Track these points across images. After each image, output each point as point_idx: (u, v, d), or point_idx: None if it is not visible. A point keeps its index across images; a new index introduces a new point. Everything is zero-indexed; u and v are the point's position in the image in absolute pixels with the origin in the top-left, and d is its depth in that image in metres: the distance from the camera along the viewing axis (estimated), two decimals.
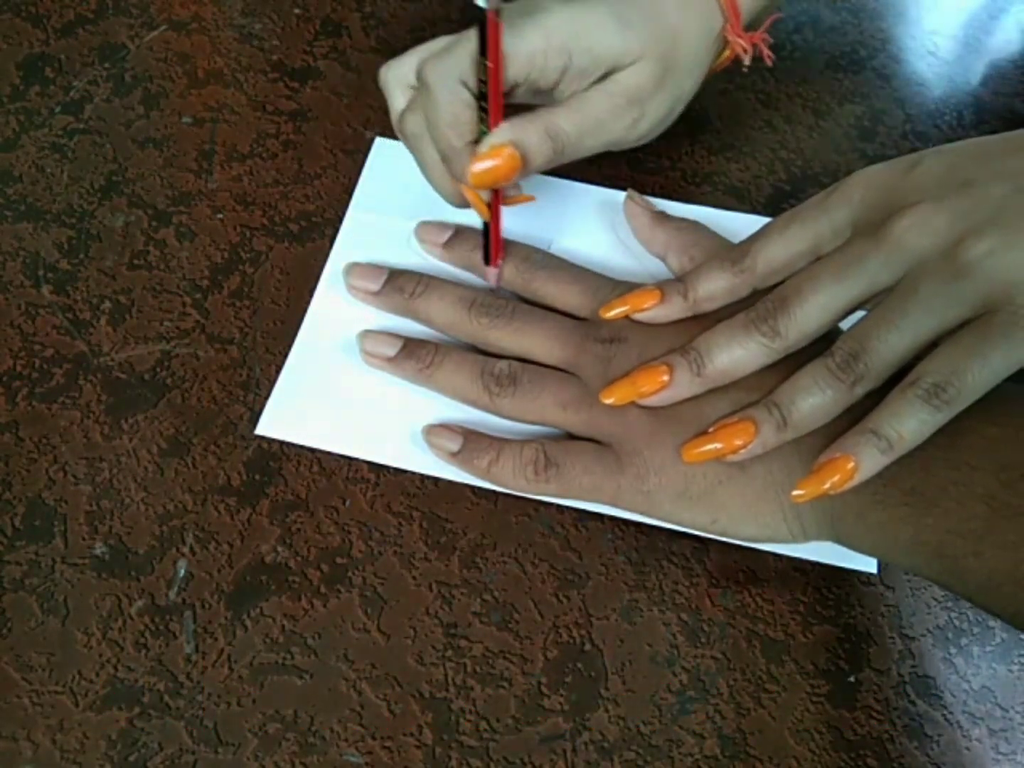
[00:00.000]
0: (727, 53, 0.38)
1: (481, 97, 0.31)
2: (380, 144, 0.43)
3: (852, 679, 0.32)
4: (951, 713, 0.32)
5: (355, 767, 0.30)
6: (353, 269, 0.38)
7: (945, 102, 0.47)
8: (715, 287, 0.32)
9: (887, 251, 0.29)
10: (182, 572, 0.33)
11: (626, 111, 0.34)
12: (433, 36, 0.47)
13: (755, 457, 0.30)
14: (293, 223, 0.41)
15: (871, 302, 0.30)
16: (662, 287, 0.33)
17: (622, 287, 0.35)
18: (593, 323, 0.35)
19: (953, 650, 0.33)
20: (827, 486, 0.28)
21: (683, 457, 0.31)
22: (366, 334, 0.36)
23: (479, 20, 0.28)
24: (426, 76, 0.31)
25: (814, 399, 0.29)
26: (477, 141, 0.32)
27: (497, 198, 0.34)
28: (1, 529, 0.33)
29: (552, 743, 0.31)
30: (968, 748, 0.31)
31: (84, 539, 0.33)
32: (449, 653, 0.32)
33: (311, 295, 0.39)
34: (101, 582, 0.32)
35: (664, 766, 0.30)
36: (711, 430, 0.31)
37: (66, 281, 0.39)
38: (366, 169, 0.42)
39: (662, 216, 0.39)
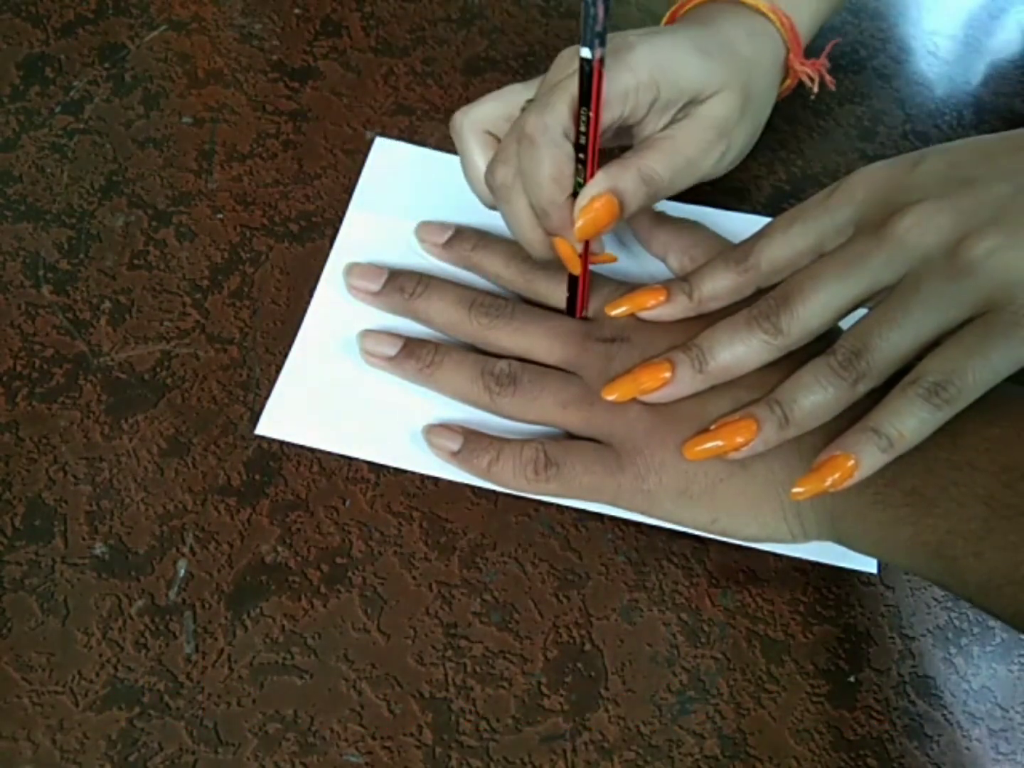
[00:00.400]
0: (788, 81, 0.39)
1: (580, 148, 0.30)
2: (380, 144, 0.43)
3: (852, 679, 0.32)
4: (951, 713, 0.32)
5: (355, 767, 0.30)
6: (353, 269, 0.38)
7: (945, 102, 0.47)
8: (719, 286, 0.32)
9: (889, 249, 0.29)
10: (182, 572, 0.33)
11: (715, 145, 0.34)
12: (433, 36, 0.48)
13: (756, 455, 0.30)
14: (293, 223, 0.41)
15: (873, 300, 0.30)
16: (667, 286, 0.33)
17: (623, 287, 0.35)
18: (594, 322, 0.35)
19: (953, 650, 0.33)
20: (827, 484, 0.28)
21: (685, 455, 0.31)
22: (366, 333, 0.36)
23: (582, 70, 0.28)
24: (530, 130, 0.30)
25: (816, 397, 0.29)
26: (573, 194, 0.31)
27: (586, 250, 0.33)
28: (1, 529, 0.33)
29: (552, 743, 0.31)
30: (968, 748, 0.31)
31: (84, 539, 0.33)
32: (449, 653, 0.32)
33: (311, 295, 0.39)
34: (101, 582, 0.32)
35: (664, 766, 0.30)
36: (712, 428, 0.31)
37: (66, 281, 0.39)
38: (366, 169, 0.42)
39: (662, 216, 0.39)
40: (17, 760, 0.29)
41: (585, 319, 0.36)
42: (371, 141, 0.43)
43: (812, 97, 0.40)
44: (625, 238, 0.40)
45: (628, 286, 0.35)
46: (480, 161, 0.34)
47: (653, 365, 0.32)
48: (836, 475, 0.28)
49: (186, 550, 0.33)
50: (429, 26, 0.48)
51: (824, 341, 0.30)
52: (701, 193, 0.42)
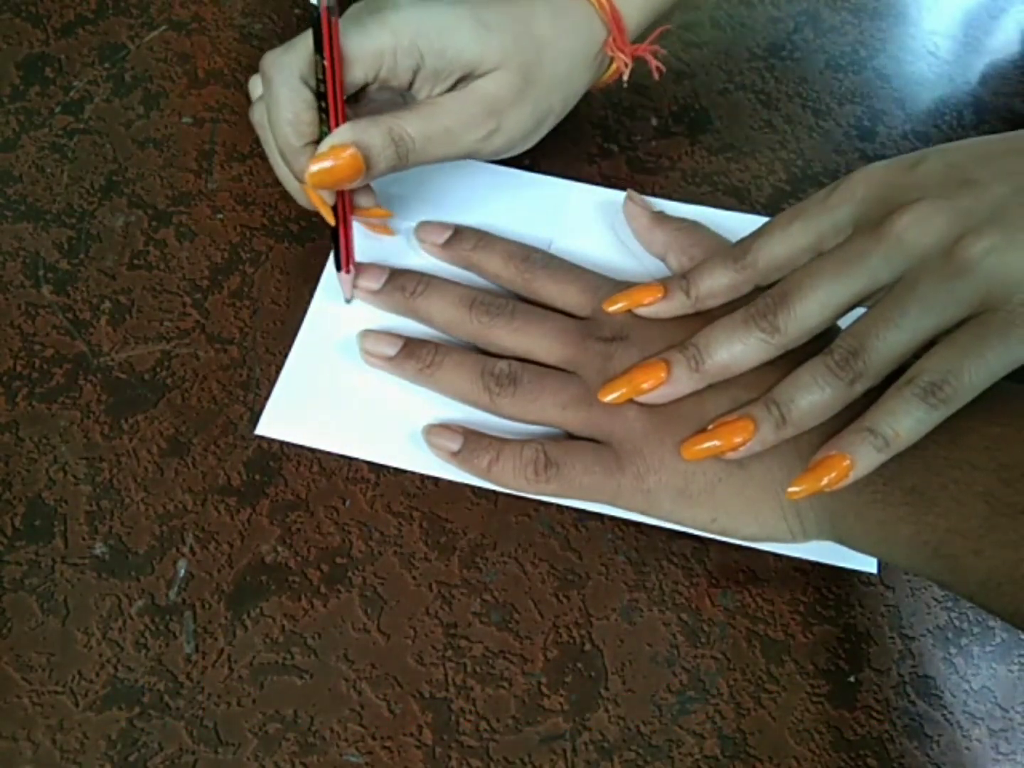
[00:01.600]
0: (614, 67, 0.37)
1: (321, 96, 0.30)
2: None
3: (852, 679, 0.32)
4: (951, 713, 0.32)
5: (355, 767, 0.30)
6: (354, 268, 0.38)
7: (945, 102, 0.47)
8: (717, 283, 0.32)
9: (887, 248, 0.29)
10: (182, 572, 0.33)
11: (480, 122, 0.32)
12: None
13: (754, 455, 0.30)
14: (293, 223, 0.41)
15: (871, 299, 0.30)
16: (665, 283, 0.33)
17: (622, 287, 0.35)
18: (594, 322, 0.35)
19: (953, 650, 0.33)
20: (823, 483, 0.28)
21: (683, 455, 0.31)
22: (366, 333, 0.36)
23: (312, 16, 0.28)
24: (267, 70, 0.30)
25: (813, 396, 0.29)
26: (319, 141, 0.31)
27: (344, 203, 0.33)
28: (1, 529, 0.33)
29: (552, 743, 0.31)
30: (968, 748, 0.31)
31: (84, 539, 0.33)
32: (449, 653, 0.32)
33: (311, 295, 0.39)
34: (101, 582, 0.32)
35: (664, 766, 0.30)
36: (710, 428, 0.31)
37: (66, 281, 0.39)
38: None
39: (662, 216, 0.39)
40: (17, 760, 0.29)
41: (584, 318, 0.36)
42: None
43: (625, 84, 0.38)
44: (625, 237, 0.40)
45: (626, 286, 0.35)
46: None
47: (649, 365, 0.32)
48: (832, 475, 0.28)
49: (186, 550, 0.33)
50: None
51: (822, 340, 0.30)
52: (701, 193, 0.42)
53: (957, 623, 0.33)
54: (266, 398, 0.36)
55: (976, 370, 0.27)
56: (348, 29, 0.30)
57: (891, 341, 0.28)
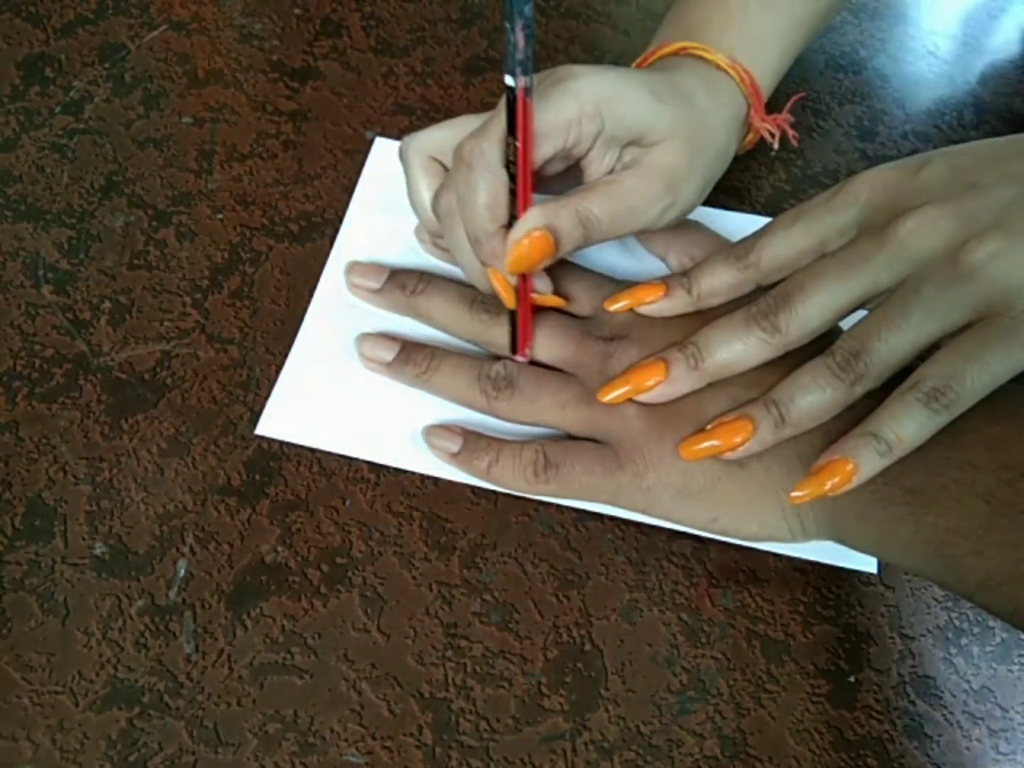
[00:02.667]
0: (750, 137, 0.38)
1: (511, 178, 0.29)
2: (380, 144, 0.43)
3: (852, 679, 0.32)
4: (951, 713, 0.32)
5: (355, 767, 0.30)
6: (354, 267, 0.38)
7: (945, 102, 0.47)
8: (719, 282, 0.32)
9: (890, 252, 0.29)
10: (182, 572, 0.33)
11: (660, 197, 0.32)
12: (433, 36, 0.48)
13: (754, 455, 0.30)
14: (293, 223, 0.41)
15: (873, 302, 0.30)
16: (666, 281, 0.33)
17: (623, 286, 0.35)
18: (594, 321, 0.35)
19: (953, 650, 0.33)
20: (826, 488, 0.28)
21: (681, 454, 0.31)
22: (363, 338, 0.36)
23: (508, 98, 0.27)
24: (467, 156, 0.30)
25: (813, 397, 0.29)
26: (508, 225, 0.31)
27: (525, 285, 0.32)
28: (1, 529, 0.33)
29: (552, 743, 0.31)
30: (968, 748, 0.31)
31: (84, 539, 0.33)
32: (449, 653, 0.32)
33: (311, 295, 0.39)
34: (101, 582, 0.32)
35: (664, 766, 0.30)
36: (709, 427, 0.31)
37: (66, 281, 0.39)
38: (366, 169, 0.42)
39: None
40: (17, 760, 0.29)
41: (584, 317, 0.36)
42: (371, 141, 0.43)
43: (772, 152, 0.39)
44: (625, 237, 0.40)
45: (627, 285, 0.35)
46: (424, 188, 0.34)
47: (647, 365, 0.32)
48: (835, 479, 0.28)
49: (186, 550, 0.33)
50: (429, 26, 0.48)
51: (824, 341, 0.30)
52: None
53: (957, 623, 0.33)
54: (266, 398, 0.36)
55: (979, 376, 0.27)
56: (536, 103, 0.29)
57: (893, 344, 0.28)
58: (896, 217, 0.29)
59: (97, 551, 0.33)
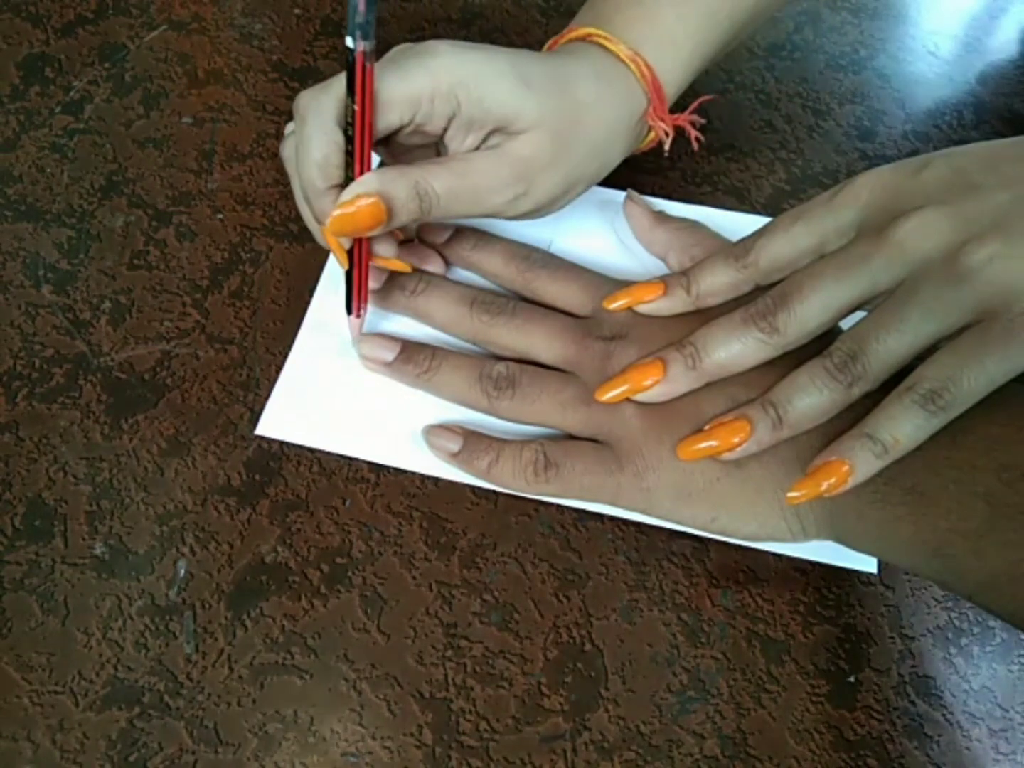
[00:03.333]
0: (652, 135, 0.37)
1: (349, 140, 0.29)
2: None
3: (852, 679, 0.32)
4: (951, 713, 0.32)
5: (355, 767, 0.30)
6: None
7: (945, 102, 0.47)
8: (718, 281, 0.32)
9: (889, 253, 0.29)
10: (182, 572, 0.33)
11: (509, 185, 0.31)
12: (433, 36, 0.48)
13: (752, 455, 0.30)
14: (293, 223, 0.41)
15: (871, 304, 0.30)
16: (665, 280, 0.33)
17: (623, 286, 0.35)
18: (594, 321, 0.35)
19: (953, 650, 0.33)
20: (823, 488, 0.29)
21: (679, 455, 0.31)
22: (363, 338, 0.36)
23: (348, 61, 0.27)
24: (301, 109, 0.29)
25: (810, 399, 0.29)
26: (344, 185, 0.30)
27: (362, 248, 0.32)
28: (1, 529, 0.33)
29: (552, 743, 0.31)
30: (968, 748, 0.31)
31: (84, 539, 0.33)
32: (449, 653, 0.32)
33: (311, 295, 0.39)
34: (101, 582, 0.32)
35: (664, 766, 0.30)
36: (706, 428, 0.31)
37: (66, 281, 0.39)
38: None
39: (662, 216, 0.39)
40: (17, 760, 0.29)
41: (584, 317, 0.36)
42: None
43: (665, 154, 0.37)
44: (625, 237, 0.40)
45: (628, 284, 0.35)
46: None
47: (645, 364, 0.32)
48: (831, 480, 0.28)
49: (186, 550, 0.33)
50: (429, 26, 0.48)
51: (823, 341, 0.30)
52: (701, 193, 0.42)
53: (957, 623, 0.33)
54: (266, 398, 0.36)
55: (976, 378, 0.27)
56: (386, 71, 0.29)
57: (891, 346, 0.28)
58: (895, 219, 0.29)
59: (97, 551, 0.33)
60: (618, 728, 0.31)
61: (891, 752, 0.31)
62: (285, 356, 0.37)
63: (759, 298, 0.31)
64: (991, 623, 0.33)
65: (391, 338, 0.36)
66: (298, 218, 0.41)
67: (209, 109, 0.44)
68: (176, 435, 0.35)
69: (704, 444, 0.31)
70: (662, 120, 0.36)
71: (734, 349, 0.31)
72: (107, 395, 0.36)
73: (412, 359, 0.35)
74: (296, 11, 0.48)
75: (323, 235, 0.31)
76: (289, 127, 0.34)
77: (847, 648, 0.32)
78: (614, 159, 0.35)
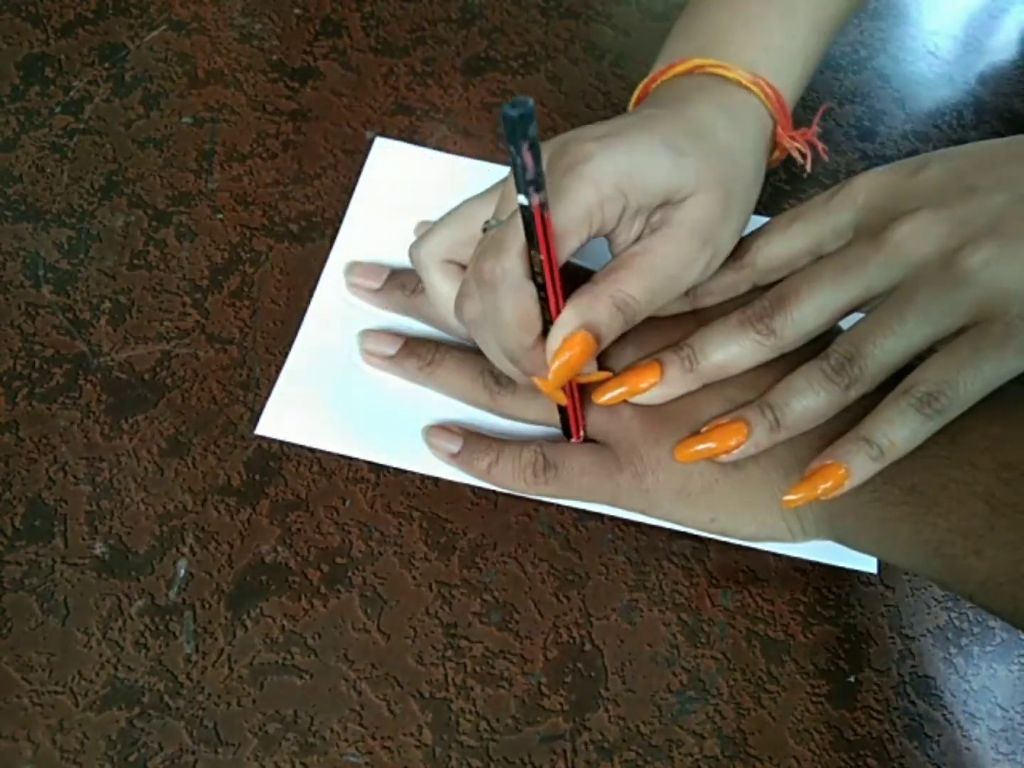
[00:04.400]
0: (777, 154, 0.36)
1: (539, 287, 0.27)
2: (380, 144, 0.43)
3: (852, 679, 0.32)
4: (951, 713, 0.32)
5: (355, 767, 0.30)
6: (354, 267, 0.38)
7: (945, 102, 0.47)
8: (714, 282, 0.32)
9: (885, 256, 0.29)
10: (182, 572, 0.33)
11: (699, 254, 0.29)
12: (433, 36, 0.48)
13: (750, 457, 0.30)
14: (293, 223, 0.41)
15: (868, 306, 0.30)
16: None
17: None
18: None
19: (953, 650, 0.33)
20: (819, 492, 0.29)
21: (676, 457, 0.31)
22: (366, 333, 0.36)
23: (524, 217, 0.25)
24: (488, 277, 0.27)
25: (807, 401, 0.29)
26: (544, 331, 0.28)
27: (573, 381, 0.31)
28: (1, 529, 0.33)
29: (552, 743, 0.31)
30: (968, 748, 0.31)
31: (84, 539, 0.33)
32: (449, 653, 0.32)
33: (311, 295, 0.39)
34: (101, 582, 0.32)
35: (664, 766, 0.30)
36: (704, 430, 0.31)
37: (66, 281, 0.39)
38: (366, 169, 0.42)
39: None
40: (17, 760, 0.29)
41: None
42: (371, 141, 0.43)
43: (805, 175, 0.35)
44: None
45: None
46: (447, 291, 0.32)
47: (641, 367, 0.32)
48: (828, 483, 0.28)
49: (186, 550, 0.33)
50: (429, 26, 0.48)
51: (822, 342, 0.30)
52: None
53: (957, 623, 0.33)
54: (266, 398, 0.36)
55: (972, 381, 0.27)
56: (552, 202, 0.26)
57: (887, 348, 0.28)
58: (892, 221, 0.29)
59: (97, 551, 0.33)
60: (618, 728, 0.31)
61: (891, 752, 0.31)
62: (285, 356, 0.37)
63: (756, 300, 0.31)
64: (991, 623, 0.33)
65: (394, 333, 0.36)
66: (298, 218, 0.41)
67: (209, 109, 0.44)
68: (176, 435, 0.35)
69: (702, 446, 0.31)
70: (793, 139, 0.34)
71: (731, 351, 0.31)
72: (107, 395, 0.36)
73: (415, 353, 0.35)
74: (296, 11, 0.48)
75: (540, 386, 0.30)
76: (437, 284, 0.32)
77: (847, 648, 0.32)
78: (760, 187, 0.34)
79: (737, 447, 0.30)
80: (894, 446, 0.28)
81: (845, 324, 0.31)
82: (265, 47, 0.47)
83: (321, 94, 0.45)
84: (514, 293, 0.27)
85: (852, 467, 0.28)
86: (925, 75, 0.47)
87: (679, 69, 0.33)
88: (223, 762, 0.30)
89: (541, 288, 0.27)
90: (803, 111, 0.46)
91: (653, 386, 0.31)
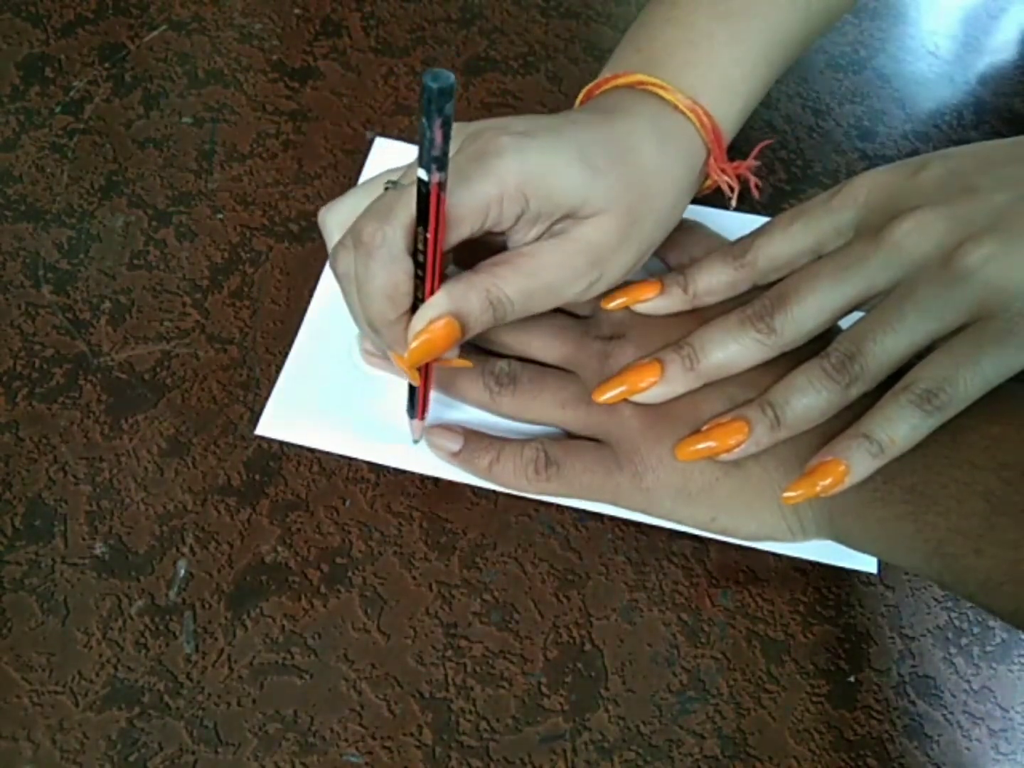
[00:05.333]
0: (708, 183, 0.35)
1: (419, 265, 0.27)
2: (380, 144, 0.43)
3: (852, 679, 0.32)
4: (951, 713, 0.32)
5: (355, 767, 0.30)
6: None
7: (945, 102, 0.47)
8: (715, 281, 0.32)
9: (885, 254, 0.29)
10: (182, 572, 0.33)
11: (583, 274, 0.29)
12: (433, 36, 0.48)
13: (750, 455, 0.30)
14: (293, 223, 0.41)
15: (868, 304, 0.30)
16: (662, 279, 0.33)
17: (620, 285, 0.35)
18: (593, 320, 0.35)
19: (953, 650, 0.33)
20: (819, 488, 0.29)
21: (677, 455, 0.31)
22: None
23: (420, 191, 0.25)
24: (367, 239, 0.26)
25: (808, 399, 0.29)
26: (412, 309, 0.28)
27: (431, 363, 0.31)
28: (1, 529, 0.33)
29: (552, 743, 0.31)
30: (968, 748, 0.31)
31: (84, 539, 0.33)
32: (449, 653, 0.32)
33: (311, 295, 0.39)
34: (101, 582, 0.32)
35: (664, 766, 0.30)
36: (704, 429, 0.31)
37: (66, 281, 0.39)
38: (366, 169, 0.42)
39: None
40: (17, 760, 0.29)
41: (584, 317, 0.36)
42: (371, 141, 0.43)
43: (731, 207, 0.35)
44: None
45: (627, 283, 0.35)
46: None
47: (641, 366, 0.32)
48: (828, 480, 0.28)
49: (186, 550, 0.33)
50: (429, 26, 0.48)
51: (822, 341, 0.30)
52: (702, 193, 0.42)
53: (957, 623, 0.33)
54: (266, 398, 0.36)
55: (972, 378, 0.27)
56: (452, 185, 0.26)
57: (888, 346, 0.28)
58: (892, 219, 0.29)
59: (97, 551, 0.33)
60: (618, 728, 0.31)
61: (891, 752, 0.31)
62: (285, 356, 0.37)
63: (756, 299, 0.31)
64: (991, 623, 0.33)
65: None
66: (298, 218, 0.41)
67: (209, 109, 0.44)
68: (176, 435, 0.35)
69: (702, 445, 0.31)
70: (724, 172, 0.34)
71: (732, 350, 0.31)
72: (107, 395, 0.36)
73: None
74: (296, 11, 0.48)
75: (394, 360, 0.30)
76: (332, 234, 0.31)
77: (847, 648, 0.32)
78: (678, 218, 0.34)
79: (738, 446, 0.30)
80: (894, 442, 0.28)
81: (845, 324, 0.31)
82: (265, 47, 0.47)
83: (321, 94, 0.45)
84: (388, 263, 0.26)
85: (852, 463, 0.28)
86: (925, 75, 0.48)
87: (621, 81, 0.33)
88: (223, 762, 0.30)
89: (420, 267, 0.27)
90: (803, 111, 0.46)
91: (653, 385, 0.31)
